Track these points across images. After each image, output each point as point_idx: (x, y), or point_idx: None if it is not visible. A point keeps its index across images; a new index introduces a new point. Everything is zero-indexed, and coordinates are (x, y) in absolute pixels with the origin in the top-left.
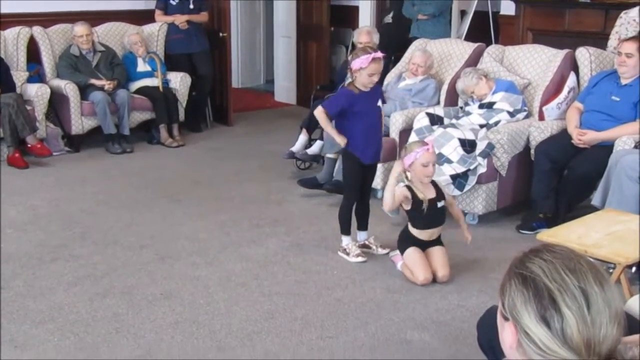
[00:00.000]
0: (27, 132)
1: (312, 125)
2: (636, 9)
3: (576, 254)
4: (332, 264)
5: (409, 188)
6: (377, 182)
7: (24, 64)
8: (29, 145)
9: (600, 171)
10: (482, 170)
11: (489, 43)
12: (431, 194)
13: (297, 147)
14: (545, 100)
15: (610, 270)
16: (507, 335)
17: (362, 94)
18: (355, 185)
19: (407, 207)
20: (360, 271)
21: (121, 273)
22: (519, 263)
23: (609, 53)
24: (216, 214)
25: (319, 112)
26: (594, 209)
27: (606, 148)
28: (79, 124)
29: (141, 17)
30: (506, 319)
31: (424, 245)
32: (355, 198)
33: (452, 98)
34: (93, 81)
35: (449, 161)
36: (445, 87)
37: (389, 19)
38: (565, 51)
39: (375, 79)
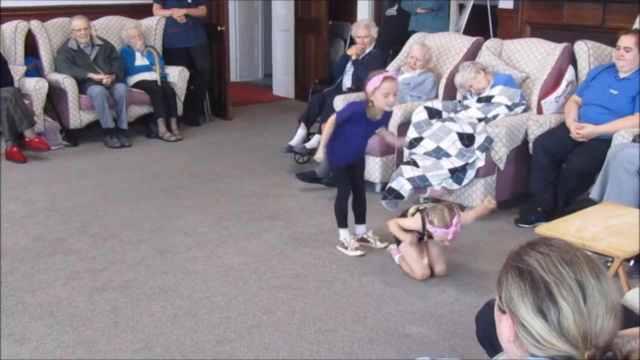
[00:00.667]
0: (25, 126)
1: (310, 119)
2: None
3: (572, 246)
4: (330, 258)
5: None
6: (375, 177)
7: (21, 57)
8: (27, 140)
9: (598, 165)
10: (481, 164)
11: (487, 37)
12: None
13: (295, 141)
14: (544, 94)
15: (608, 264)
16: (504, 328)
17: (369, 120)
18: (345, 179)
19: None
20: (358, 265)
21: (120, 267)
22: (515, 256)
23: (607, 47)
24: (215, 207)
25: (330, 122)
26: (592, 203)
27: (604, 141)
28: (77, 118)
29: (139, 11)
30: (503, 312)
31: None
32: (347, 190)
33: (451, 92)
34: (91, 75)
35: (448, 155)
36: (443, 81)
37: (392, 11)
38: (563, 45)
39: (392, 99)
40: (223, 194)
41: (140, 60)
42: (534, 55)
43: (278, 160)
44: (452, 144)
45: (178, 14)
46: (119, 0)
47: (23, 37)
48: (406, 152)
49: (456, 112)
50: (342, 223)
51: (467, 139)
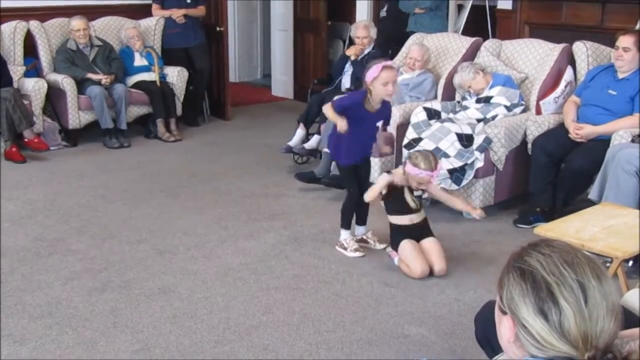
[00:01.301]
0: (25, 127)
1: (309, 120)
2: None
3: (574, 247)
4: (330, 259)
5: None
6: (374, 177)
7: (21, 58)
8: (26, 140)
9: (597, 165)
10: (480, 164)
11: (486, 37)
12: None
13: (294, 141)
14: (543, 95)
15: (607, 264)
16: (504, 329)
17: (368, 111)
18: (352, 181)
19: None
20: (358, 266)
21: (119, 267)
22: (517, 257)
23: (606, 47)
24: (214, 208)
25: (327, 107)
26: (591, 203)
27: (603, 142)
28: (76, 118)
29: (138, 11)
30: (504, 312)
31: (414, 235)
32: (356, 193)
33: (450, 92)
34: (90, 75)
35: (447, 155)
36: (442, 82)
37: (383, 12)
38: (562, 45)
39: (391, 87)
40: (222, 194)
41: (139, 61)
42: (532, 56)
43: (277, 161)
44: (451, 145)
45: (177, 14)
46: (118, 1)
47: (22, 37)
48: (405, 152)
49: (455, 112)
50: (346, 225)
51: (466, 140)
